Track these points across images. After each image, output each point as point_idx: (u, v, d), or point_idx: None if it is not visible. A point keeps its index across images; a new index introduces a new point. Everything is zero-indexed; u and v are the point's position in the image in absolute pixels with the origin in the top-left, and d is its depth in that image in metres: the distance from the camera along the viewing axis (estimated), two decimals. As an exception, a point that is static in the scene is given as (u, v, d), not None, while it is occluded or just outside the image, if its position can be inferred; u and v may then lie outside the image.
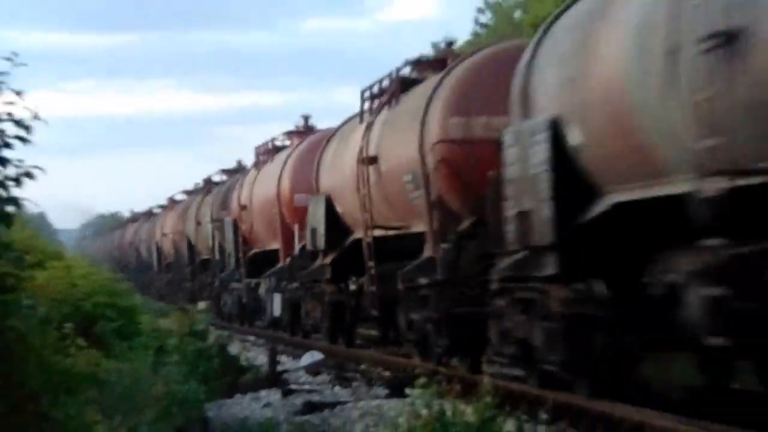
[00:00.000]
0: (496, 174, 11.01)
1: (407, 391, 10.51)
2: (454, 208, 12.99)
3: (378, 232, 16.29)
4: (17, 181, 5.97)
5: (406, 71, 16.46)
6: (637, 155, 7.75)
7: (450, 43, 19.10)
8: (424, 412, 7.61)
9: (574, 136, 8.78)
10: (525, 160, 9.74)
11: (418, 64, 16.32)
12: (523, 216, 9.67)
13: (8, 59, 5.90)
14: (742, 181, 6.03)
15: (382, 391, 12.96)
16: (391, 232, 15.89)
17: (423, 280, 13.27)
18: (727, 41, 5.83)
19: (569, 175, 8.84)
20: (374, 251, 16.25)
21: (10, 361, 5.81)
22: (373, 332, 21.00)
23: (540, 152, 9.13)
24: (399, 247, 15.39)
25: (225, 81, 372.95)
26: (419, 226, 14.10)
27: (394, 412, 9.67)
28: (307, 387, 14.61)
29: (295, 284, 22.52)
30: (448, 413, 7.64)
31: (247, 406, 12.67)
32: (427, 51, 27.59)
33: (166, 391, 9.08)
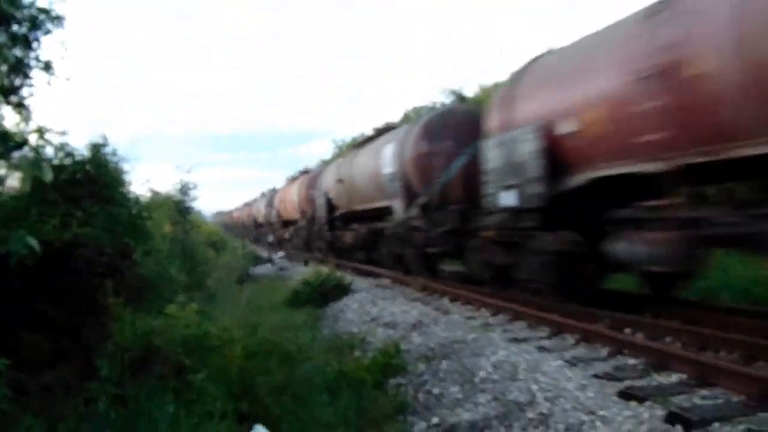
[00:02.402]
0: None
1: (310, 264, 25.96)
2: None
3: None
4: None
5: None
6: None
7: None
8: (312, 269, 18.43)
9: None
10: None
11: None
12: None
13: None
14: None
15: (303, 266, 27.05)
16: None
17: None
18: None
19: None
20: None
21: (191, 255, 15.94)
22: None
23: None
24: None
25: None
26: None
27: (305, 271, 21.91)
28: (280, 263, 30.83)
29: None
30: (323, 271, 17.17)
31: (261, 268, 28.01)
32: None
33: (238, 264, 24.31)
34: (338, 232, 26.66)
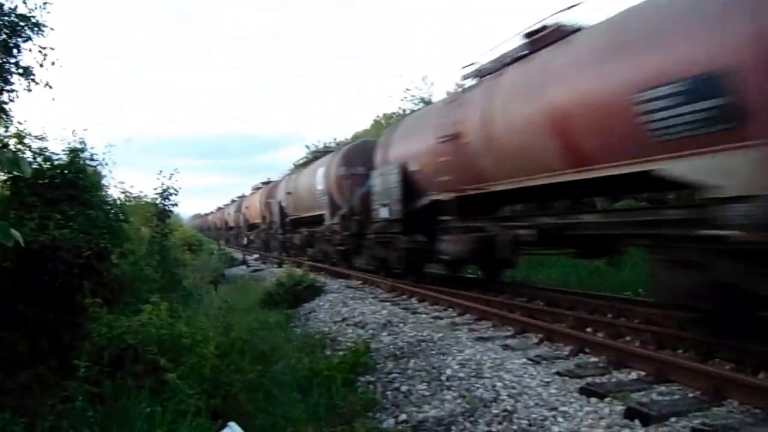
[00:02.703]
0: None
1: (284, 266, 25.65)
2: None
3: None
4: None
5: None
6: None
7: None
8: (285, 271, 19.42)
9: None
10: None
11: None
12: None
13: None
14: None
15: (277, 267, 27.32)
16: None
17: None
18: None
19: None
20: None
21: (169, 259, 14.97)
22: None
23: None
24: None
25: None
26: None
27: (280, 273, 21.48)
28: (255, 265, 31.28)
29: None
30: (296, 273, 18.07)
31: (235, 270, 28.09)
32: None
33: (212, 266, 23.55)
34: (288, 234, 32.35)
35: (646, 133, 8.17)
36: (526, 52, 11.74)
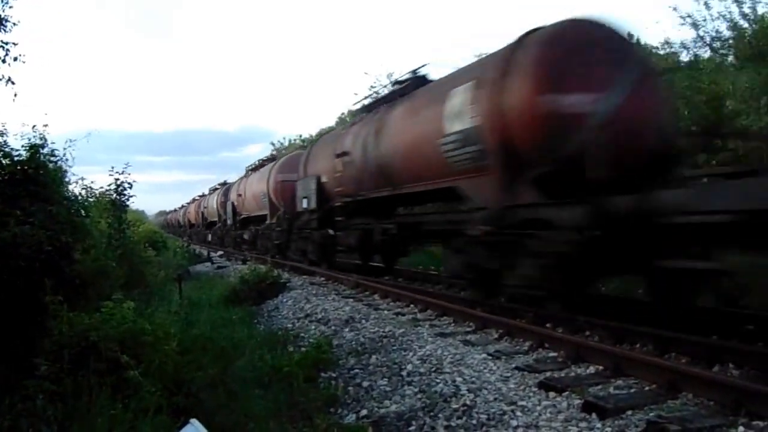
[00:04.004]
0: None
1: (248, 263, 25.64)
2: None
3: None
4: None
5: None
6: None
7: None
8: (249, 268, 19.47)
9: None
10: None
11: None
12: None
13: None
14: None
15: (241, 264, 27.03)
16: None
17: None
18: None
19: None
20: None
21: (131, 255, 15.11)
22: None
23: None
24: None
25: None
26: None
27: (243, 269, 22.14)
28: (219, 262, 31.33)
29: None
30: (259, 268, 18.35)
31: (200, 267, 27.75)
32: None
33: (176, 263, 24.05)
34: (239, 231, 36.26)
35: (449, 163, 12.16)
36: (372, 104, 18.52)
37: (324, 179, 20.01)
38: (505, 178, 10.31)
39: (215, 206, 44.79)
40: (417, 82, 15.51)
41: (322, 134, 34.89)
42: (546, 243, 9.21)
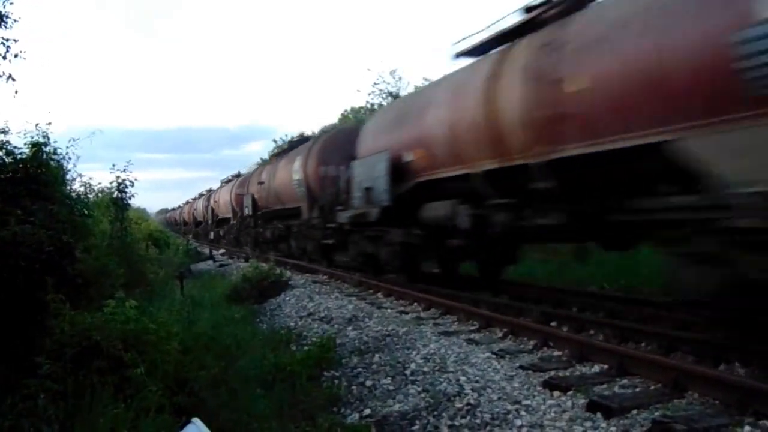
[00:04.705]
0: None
1: (250, 261, 25.01)
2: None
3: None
4: None
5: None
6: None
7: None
8: (251, 266, 18.94)
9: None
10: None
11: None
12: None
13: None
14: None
15: (244, 262, 26.78)
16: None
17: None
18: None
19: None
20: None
21: (130, 251, 15.47)
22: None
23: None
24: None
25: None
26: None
27: (246, 267, 21.92)
28: (221, 260, 31.23)
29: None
30: (261, 266, 17.79)
31: (202, 265, 28.08)
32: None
33: (178, 261, 23.92)
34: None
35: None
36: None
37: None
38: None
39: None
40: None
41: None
42: None
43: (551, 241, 13.69)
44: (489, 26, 11.85)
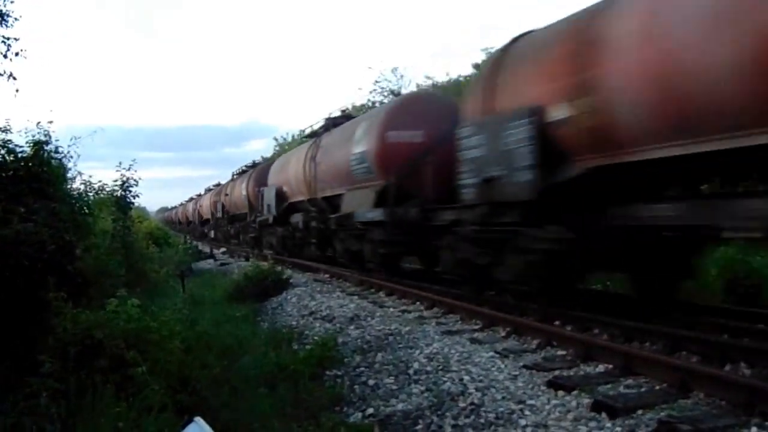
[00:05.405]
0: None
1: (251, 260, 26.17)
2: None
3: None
4: None
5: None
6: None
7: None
8: (251, 264, 19.88)
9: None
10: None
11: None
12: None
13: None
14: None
15: (244, 261, 27.52)
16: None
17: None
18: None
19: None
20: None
21: (132, 250, 15.28)
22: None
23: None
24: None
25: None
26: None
27: (246, 265, 23.11)
28: (222, 259, 31.75)
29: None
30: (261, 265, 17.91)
31: (203, 264, 28.15)
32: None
33: (179, 259, 23.54)
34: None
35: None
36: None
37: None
38: None
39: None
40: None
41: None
42: None
43: None
44: (311, 125, 24.00)
